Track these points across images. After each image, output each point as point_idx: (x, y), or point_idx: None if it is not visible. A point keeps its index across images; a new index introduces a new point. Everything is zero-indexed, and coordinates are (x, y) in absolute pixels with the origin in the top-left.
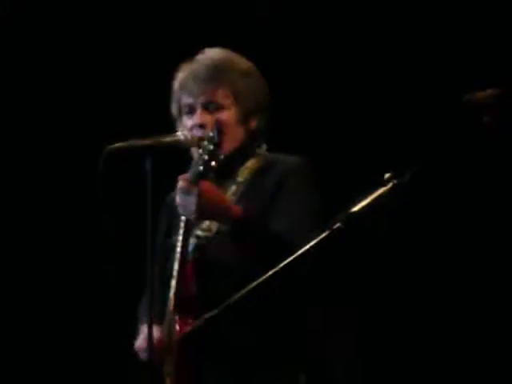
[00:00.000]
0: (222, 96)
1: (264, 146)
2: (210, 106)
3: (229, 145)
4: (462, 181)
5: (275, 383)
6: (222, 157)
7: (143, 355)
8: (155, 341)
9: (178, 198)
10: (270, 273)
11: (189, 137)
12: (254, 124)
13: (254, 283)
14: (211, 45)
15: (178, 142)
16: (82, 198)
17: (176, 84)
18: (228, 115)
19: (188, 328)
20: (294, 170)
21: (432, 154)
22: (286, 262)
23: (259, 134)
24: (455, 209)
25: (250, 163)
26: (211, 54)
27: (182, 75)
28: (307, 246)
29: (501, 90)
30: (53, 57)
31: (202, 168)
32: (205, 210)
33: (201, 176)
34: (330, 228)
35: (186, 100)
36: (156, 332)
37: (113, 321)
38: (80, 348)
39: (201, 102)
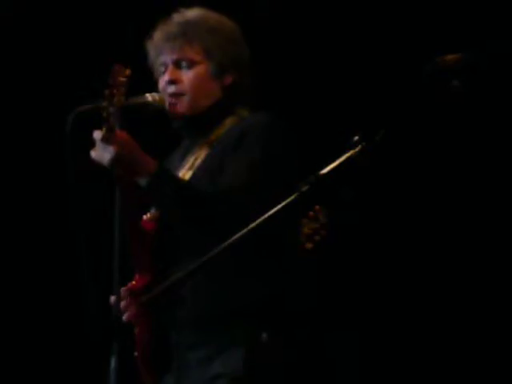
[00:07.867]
0: (193, 52)
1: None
2: (182, 64)
3: (205, 101)
4: (429, 143)
5: (234, 339)
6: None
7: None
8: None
9: (96, 148)
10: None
11: (157, 97)
12: (229, 80)
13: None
14: None
15: (146, 104)
16: (50, 160)
17: (150, 45)
18: (200, 69)
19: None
20: (252, 127)
21: (400, 117)
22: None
23: (236, 91)
24: (424, 170)
25: (227, 121)
26: (184, 13)
27: (155, 36)
28: (275, 209)
29: (470, 55)
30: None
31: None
32: (121, 159)
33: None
34: (298, 191)
35: (160, 60)
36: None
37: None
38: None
39: (172, 60)
